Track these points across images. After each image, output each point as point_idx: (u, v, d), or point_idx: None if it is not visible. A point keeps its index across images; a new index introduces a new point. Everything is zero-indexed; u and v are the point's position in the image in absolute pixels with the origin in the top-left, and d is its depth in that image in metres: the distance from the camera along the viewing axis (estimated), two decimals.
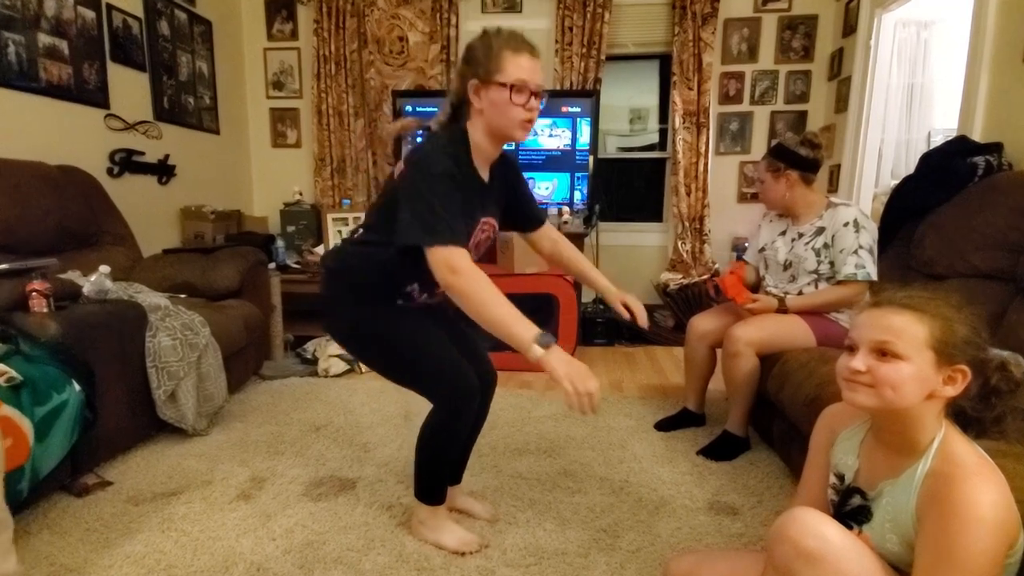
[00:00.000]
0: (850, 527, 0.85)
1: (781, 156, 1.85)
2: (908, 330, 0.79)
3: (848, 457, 0.91)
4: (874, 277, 1.74)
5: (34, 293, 1.62)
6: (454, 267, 1.10)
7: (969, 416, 0.82)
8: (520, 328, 1.09)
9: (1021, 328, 1.54)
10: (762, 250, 2.00)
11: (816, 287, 1.83)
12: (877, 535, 0.83)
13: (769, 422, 1.84)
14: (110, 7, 2.68)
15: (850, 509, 0.88)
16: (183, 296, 2.27)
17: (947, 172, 2.02)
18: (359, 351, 1.40)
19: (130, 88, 2.83)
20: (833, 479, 0.93)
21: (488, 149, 1.27)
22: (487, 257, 2.99)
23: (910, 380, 0.78)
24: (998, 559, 0.72)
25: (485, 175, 1.30)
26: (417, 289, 1.33)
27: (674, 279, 3.46)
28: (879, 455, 0.86)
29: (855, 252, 1.73)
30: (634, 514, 1.51)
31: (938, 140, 2.99)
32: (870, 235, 1.75)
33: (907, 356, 0.78)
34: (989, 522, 0.71)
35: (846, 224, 1.75)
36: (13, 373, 1.32)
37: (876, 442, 0.87)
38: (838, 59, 3.25)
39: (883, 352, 0.79)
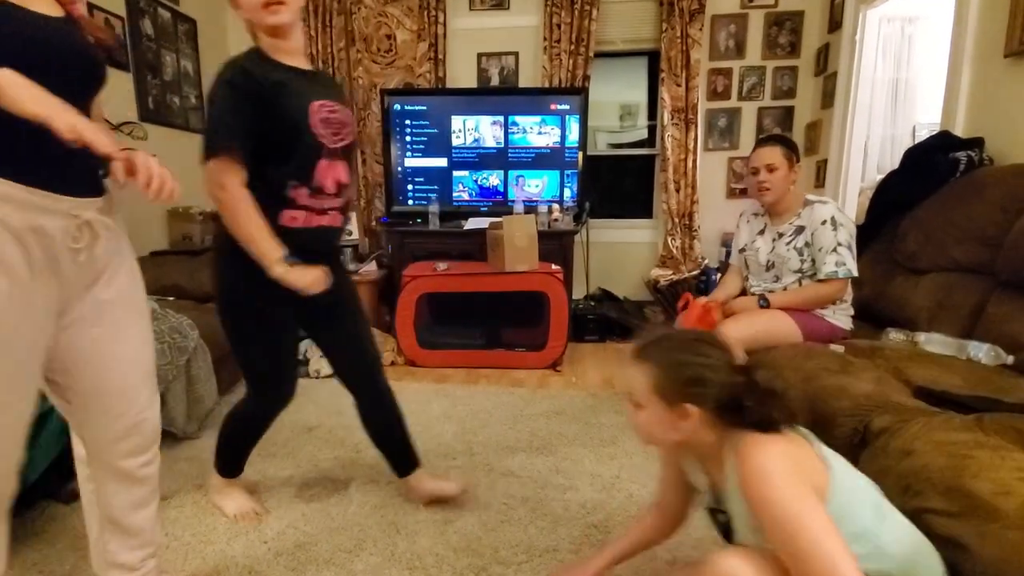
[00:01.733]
0: (731, 541, 0.92)
1: (793, 147, 1.87)
2: (636, 381, 0.88)
3: (700, 480, 0.98)
4: (855, 273, 1.76)
5: None
6: (222, 183, 1.18)
7: (742, 423, 0.84)
8: (267, 246, 1.19)
9: (1001, 321, 1.57)
10: (742, 250, 2.02)
11: (800, 285, 1.85)
12: (746, 539, 0.88)
13: None
14: (92, 6, 2.64)
15: (723, 528, 0.94)
16: (171, 299, 2.25)
17: (930, 167, 2.05)
18: (219, 310, 1.37)
19: (114, 89, 2.77)
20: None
21: (275, 43, 1.26)
22: (478, 256, 3.02)
23: (649, 424, 0.88)
24: (816, 504, 0.76)
25: (302, 64, 1.32)
26: (304, 192, 1.29)
27: (664, 275, 3.48)
28: (713, 475, 0.92)
29: (834, 250, 1.75)
30: (625, 510, 1.53)
31: (923, 134, 3.02)
32: (847, 231, 1.77)
33: (643, 404, 0.88)
34: (776, 471, 0.77)
35: (823, 222, 1.77)
36: None
37: (704, 462, 0.94)
38: (824, 55, 3.28)
39: (635, 404, 0.89)
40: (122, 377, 0.97)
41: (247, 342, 1.36)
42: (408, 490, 1.58)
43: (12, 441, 0.87)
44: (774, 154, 1.83)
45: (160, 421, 1.08)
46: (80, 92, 0.88)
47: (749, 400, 0.82)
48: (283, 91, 1.22)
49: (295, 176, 1.26)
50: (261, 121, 1.19)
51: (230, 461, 1.53)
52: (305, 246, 1.26)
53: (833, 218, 1.76)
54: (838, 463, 0.84)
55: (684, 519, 1.14)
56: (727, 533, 0.94)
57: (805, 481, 0.78)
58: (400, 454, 1.55)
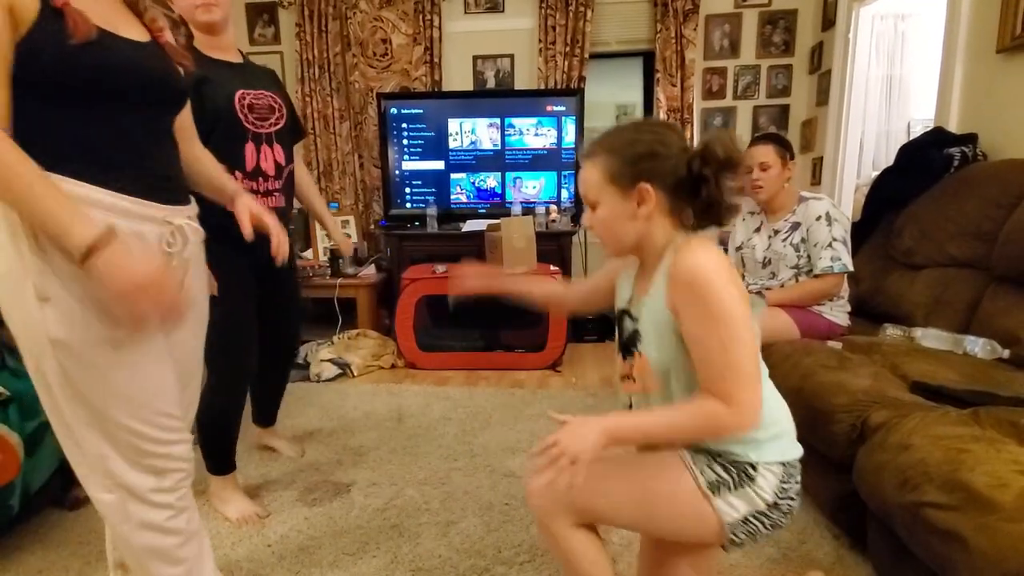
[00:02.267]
0: (631, 353, 0.93)
1: (787, 146, 1.88)
2: (589, 178, 0.88)
3: (624, 290, 0.99)
4: (850, 268, 1.77)
5: None
6: None
7: (703, 209, 0.86)
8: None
9: (996, 315, 1.59)
10: (739, 248, 2.03)
11: (797, 281, 1.86)
12: (648, 348, 0.89)
13: None
14: None
15: (628, 336, 0.94)
16: None
17: (924, 163, 2.06)
18: None
19: None
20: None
21: (208, 39, 1.40)
22: (477, 258, 3.02)
23: (609, 219, 0.87)
24: (742, 301, 0.80)
25: (232, 58, 1.45)
26: (238, 175, 1.40)
27: None
28: (643, 281, 0.93)
29: (829, 245, 1.76)
30: None
31: (918, 130, 3.04)
32: (842, 227, 1.78)
33: (598, 201, 0.88)
34: (714, 267, 0.79)
35: (818, 218, 1.78)
36: (1, 389, 1.32)
37: (641, 271, 0.94)
38: (818, 53, 3.29)
39: (591, 205, 0.89)
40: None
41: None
42: (259, 435, 1.91)
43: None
44: (767, 152, 1.85)
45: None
46: (164, 114, 0.93)
47: (707, 172, 0.82)
48: (206, 84, 1.33)
49: (224, 161, 1.25)
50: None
51: (219, 458, 1.56)
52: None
53: (828, 214, 1.78)
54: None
55: (571, 312, 1.31)
56: (627, 346, 0.94)
57: (738, 285, 0.81)
58: (269, 409, 1.89)
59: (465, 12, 3.54)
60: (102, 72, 0.80)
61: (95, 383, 0.82)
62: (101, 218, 0.78)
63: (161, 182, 0.89)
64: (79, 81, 0.78)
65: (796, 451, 0.89)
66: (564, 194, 3.36)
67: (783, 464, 0.86)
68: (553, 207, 3.24)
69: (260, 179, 1.44)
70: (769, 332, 1.79)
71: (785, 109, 3.52)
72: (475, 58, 3.58)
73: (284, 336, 1.72)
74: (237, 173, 1.38)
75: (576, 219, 3.29)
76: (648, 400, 0.92)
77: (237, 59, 1.47)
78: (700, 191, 0.84)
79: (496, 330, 2.98)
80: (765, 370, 0.89)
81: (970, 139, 2.02)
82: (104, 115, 0.81)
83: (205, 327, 1.06)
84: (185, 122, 1.02)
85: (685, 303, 0.81)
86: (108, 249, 0.75)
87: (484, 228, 2.92)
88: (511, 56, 3.56)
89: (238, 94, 1.39)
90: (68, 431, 0.85)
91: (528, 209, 3.23)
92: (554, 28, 3.38)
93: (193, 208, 0.97)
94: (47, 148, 0.77)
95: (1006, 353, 1.50)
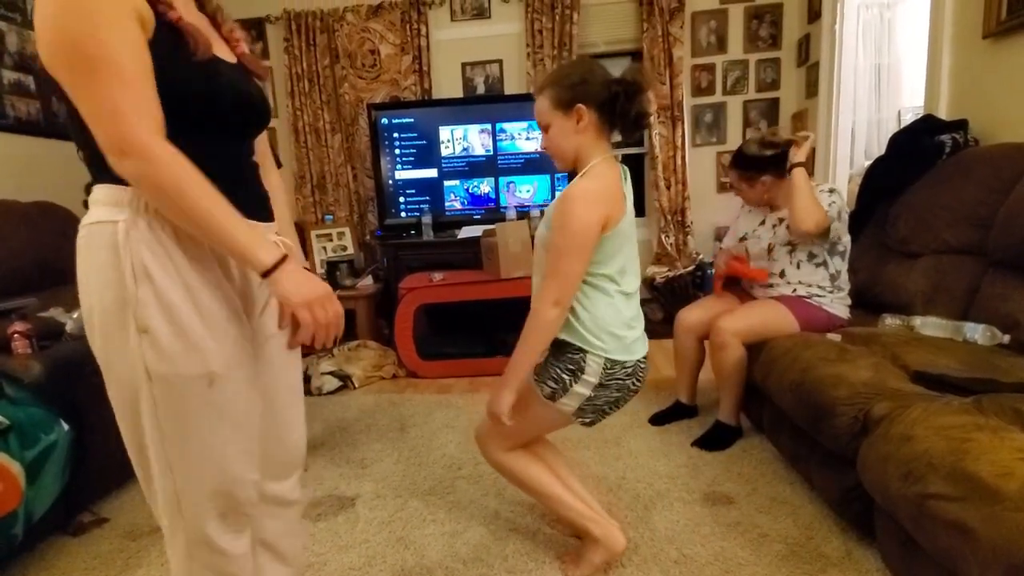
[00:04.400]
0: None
1: (750, 166, 1.88)
2: (541, 107, 1.15)
3: None
4: (836, 220, 1.75)
5: (16, 335, 1.60)
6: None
7: (623, 124, 1.14)
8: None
9: (995, 300, 1.58)
10: (743, 238, 2.02)
11: (791, 258, 1.85)
12: (539, 232, 1.19)
13: (759, 409, 1.86)
14: None
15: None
16: None
17: (916, 151, 2.06)
18: None
19: None
20: None
21: None
22: (474, 264, 3.02)
23: (558, 136, 1.14)
24: (591, 227, 1.07)
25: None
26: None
27: (660, 272, 3.48)
28: None
29: (830, 204, 1.75)
30: (632, 510, 1.53)
31: (908, 118, 3.03)
32: (841, 199, 1.78)
33: (549, 123, 1.15)
34: (588, 194, 1.08)
35: (822, 190, 1.78)
36: (0, 418, 1.31)
37: None
38: (805, 45, 3.30)
39: (544, 128, 1.16)
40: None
41: None
42: None
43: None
44: (731, 176, 1.95)
45: (306, 442, 1.06)
46: (256, 135, 0.92)
47: (623, 96, 1.09)
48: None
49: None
50: None
51: None
52: None
53: (832, 189, 1.79)
54: (631, 213, 1.15)
55: None
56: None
57: (597, 211, 1.07)
58: None
59: (452, 20, 3.55)
60: (212, 96, 0.77)
61: (185, 418, 0.78)
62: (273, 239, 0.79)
63: (254, 197, 0.88)
64: (190, 106, 0.75)
65: (620, 355, 1.15)
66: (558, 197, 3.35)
67: (606, 359, 1.14)
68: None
69: None
70: (769, 327, 1.79)
71: (775, 102, 3.52)
72: (464, 65, 3.59)
73: None
74: None
75: None
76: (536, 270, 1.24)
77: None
78: (616, 107, 1.10)
79: (496, 336, 2.97)
80: (621, 290, 1.16)
81: (960, 125, 2.02)
82: (209, 138, 0.78)
83: (299, 355, 1.01)
84: (262, 147, 0.98)
85: (555, 209, 1.11)
86: (288, 266, 0.76)
87: (480, 234, 2.92)
88: (499, 61, 3.57)
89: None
90: (147, 466, 0.82)
91: (523, 213, 3.23)
92: (541, 32, 3.39)
93: (276, 225, 0.95)
94: None
95: (1006, 338, 1.49)
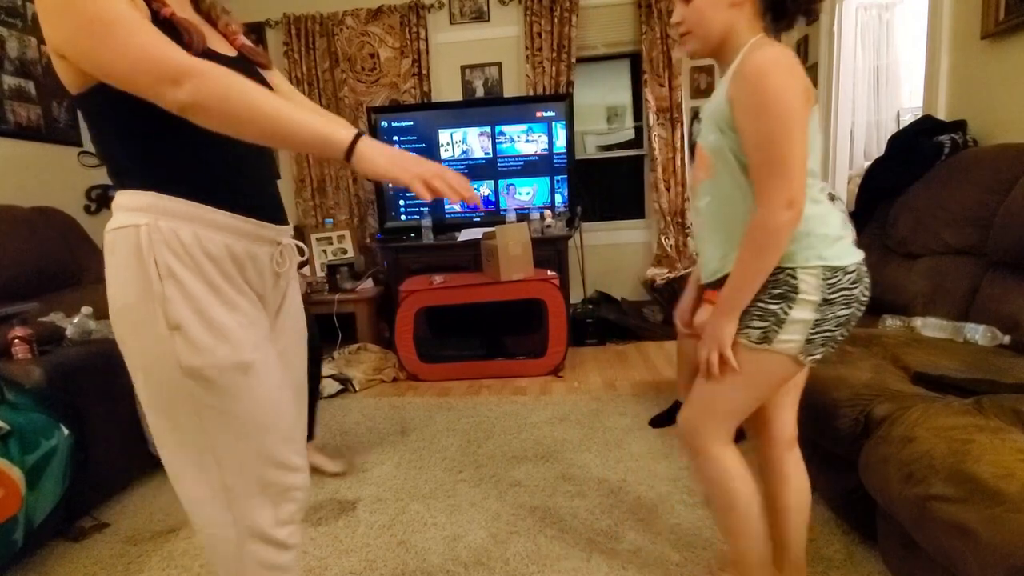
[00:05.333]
0: (694, 150, 1.04)
1: None
2: None
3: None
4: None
5: (16, 340, 1.60)
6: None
7: (786, 7, 0.95)
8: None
9: (995, 301, 1.58)
10: None
11: None
12: (704, 138, 0.98)
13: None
14: None
15: (696, 136, 1.05)
16: None
17: (915, 152, 2.06)
18: None
19: None
20: None
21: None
22: (474, 267, 3.02)
23: (703, 8, 0.94)
24: (799, 97, 0.85)
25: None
26: None
27: (660, 274, 3.49)
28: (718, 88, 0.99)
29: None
30: (634, 513, 1.53)
31: (907, 119, 3.04)
32: (841, 204, 1.79)
33: None
34: (775, 61, 0.86)
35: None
36: (0, 423, 1.31)
37: (720, 80, 0.99)
38: (804, 46, 3.30)
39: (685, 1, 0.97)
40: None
41: None
42: None
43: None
44: None
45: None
46: None
47: None
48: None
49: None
50: None
51: None
52: None
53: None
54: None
55: None
56: (694, 145, 1.06)
57: (801, 83, 0.86)
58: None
59: (451, 23, 3.55)
60: None
61: (225, 410, 0.78)
62: (219, 240, 0.77)
63: (271, 200, 0.87)
64: None
65: (840, 259, 0.92)
66: (557, 198, 3.36)
67: (823, 267, 0.91)
68: (547, 212, 3.24)
69: None
70: None
71: None
72: (463, 68, 3.60)
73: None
74: None
75: (570, 223, 3.29)
76: (701, 190, 1.01)
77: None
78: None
79: (496, 338, 2.97)
80: (819, 185, 0.96)
81: (959, 126, 2.03)
82: (216, 136, 0.76)
83: (306, 346, 1.01)
84: (284, 88, 0.96)
85: (741, 93, 0.88)
86: (364, 139, 0.73)
87: (479, 237, 2.92)
88: (499, 64, 3.58)
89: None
90: (185, 466, 0.80)
91: (522, 216, 3.23)
92: (540, 35, 3.40)
93: (291, 228, 0.95)
94: (163, 168, 0.75)
95: (1007, 339, 1.49)
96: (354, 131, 0.73)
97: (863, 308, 0.95)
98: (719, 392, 1.00)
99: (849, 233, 0.97)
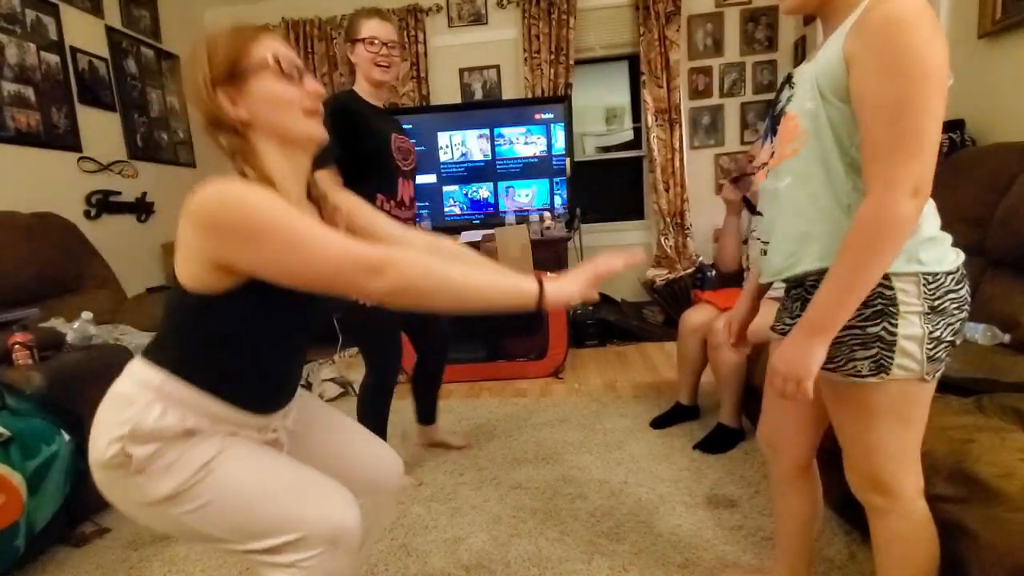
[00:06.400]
0: (777, 125, 0.85)
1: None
2: None
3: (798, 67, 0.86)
4: None
5: (16, 346, 1.61)
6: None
7: None
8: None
9: (996, 300, 1.58)
10: (745, 241, 2.03)
11: None
12: (799, 104, 0.80)
13: (761, 411, 1.86)
14: (74, 50, 2.67)
15: (780, 107, 0.85)
16: None
17: None
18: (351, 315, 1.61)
19: (101, 129, 2.82)
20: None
21: (371, 89, 1.65)
22: None
23: None
24: (942, 60, 0.67)
25: (380, 105, 1.69)
26: (392, 204, 1.70)
27: (660, 275, 3.49)
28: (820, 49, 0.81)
29: None
30: (635, 515, 1.53)
31: None
32: None
33: None
34: (926, 16, 0.67)
35: None
36: (1, 429, 1.31)
37: (824, 36, 0.82)
38: (801, 47, 3.31)
39: None
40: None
41: (371, 325, 1.63)
42: (422, 433, 2.05)
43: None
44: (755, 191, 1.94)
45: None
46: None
47: None
48: (368, 126, 1.58)
49: (383, 189, 1.59)
50: (352, 143, 1.51)
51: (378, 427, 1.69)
52: None
53: None
54: None
55: None
56: (777, 119, 0.86)
57: (942, 40, 0.68)
58: (427, 407, 2.03)
59: (449, 26, 3.56)
60: (271, 315, 0.78)
61: (206, 504, 0.78)
62: (207, 423, 0.78)
63: (277, 395, 0.87)
64: (245, 326, 0.78)
65: (939, 264, 0.76)
66: (557, 200, 3.36)
67: (922, 273, 0.75)
68: (547, 214, 3.24)
69: (401, 208, 1.67)
70: (767, 328, 1.78)
71: None
72: (461, 71, 3.61)
73: (430, 336, 1.91)
74: (390, 202, 1.63)
75: (570, 225, 3.30)
76: (782, 169, 0.83)
77: (380, 106, 1.69)
78: None
79: (496, 340, 2.97)
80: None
81: (957, 125, 2.03)
82: (271, 360, 0.79)
83: (335, 429, 0.99)
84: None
85: (868, 49, 0.68)
86: (547, 285, 0.79)
87: (479, 239, 2.92)
88: (497, 67, 3.59)
89: (392, 136, 1.63)
90: (212, 539, 0.81)
91: (522, 218, 3.23)
92: (538, 37, 3.41)
93: (295, 400, 0.94)
94: (200, 370, 0.77)
95: (1007, 338, 1.49)
96: (534, 281, 0.78)
97: (968, 308, 0.81)
98: (871, 443, 0.83)
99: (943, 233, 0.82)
